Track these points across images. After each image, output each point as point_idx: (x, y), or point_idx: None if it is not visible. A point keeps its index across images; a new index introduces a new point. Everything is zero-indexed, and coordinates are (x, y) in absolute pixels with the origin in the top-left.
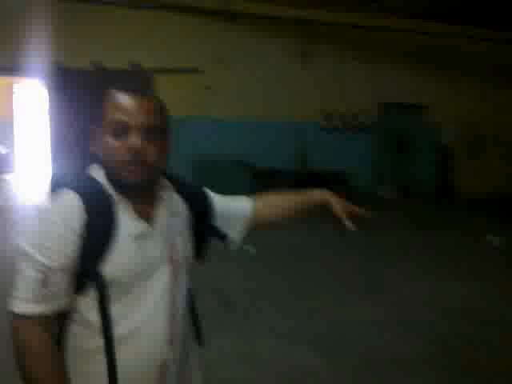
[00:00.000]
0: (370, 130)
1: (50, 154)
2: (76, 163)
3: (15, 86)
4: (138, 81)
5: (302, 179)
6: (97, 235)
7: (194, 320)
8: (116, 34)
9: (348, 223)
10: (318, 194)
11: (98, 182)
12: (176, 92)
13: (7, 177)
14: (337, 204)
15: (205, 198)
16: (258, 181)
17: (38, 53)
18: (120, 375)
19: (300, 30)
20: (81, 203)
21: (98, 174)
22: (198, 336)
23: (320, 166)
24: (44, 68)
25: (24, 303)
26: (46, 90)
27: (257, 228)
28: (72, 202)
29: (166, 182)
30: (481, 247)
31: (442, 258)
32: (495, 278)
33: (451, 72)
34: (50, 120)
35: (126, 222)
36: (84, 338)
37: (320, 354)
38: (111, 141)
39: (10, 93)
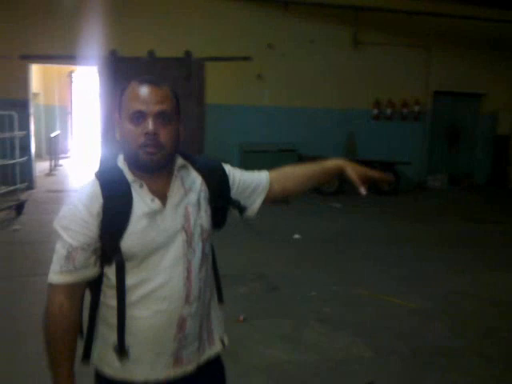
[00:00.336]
0: (422, 118)
1: (101, 140)
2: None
3: (73, 74)
4: (188, 68)
5: None
6: (114, 217)
7: (216, 281)
8: (169, 22)
9: (362, 189)
10: (334, 162)
11: (119, 169)
12: (227, 80)
13: (63, 161)
14: (352, 170)
15: (223, 173)
16: None
17: (95, 42)
18: (141, 329)
19: (351, 17)
20: (100, 190)
21: (122, 159)
22: (220, 295)
23: (369, 155)
24: (100, 56)
25: (53, 274)
26: (101, 77)
27: (278, 198)
28: (93, 188)
29: (182, 162)
30: None
31: (494, 249)
32: None
33: (508, 59)
34: (102, 106)
35: (141, 202)
36: (110, 297)
37: (365, 341)
38: (130, 126)
39: (69, 81)
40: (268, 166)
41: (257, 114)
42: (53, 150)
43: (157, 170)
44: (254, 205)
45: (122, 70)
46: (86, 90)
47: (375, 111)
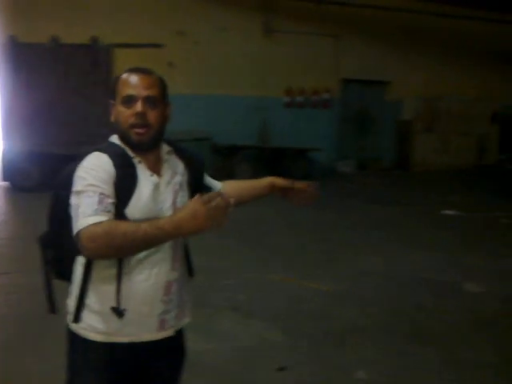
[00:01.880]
0: (332, 105)
1: (2, 130)
2: (29, 138)
3: None
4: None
5: (262, 155)
6: (124, 184)
7: (187, 256)
8: (75, 7)
9: (295, 201)
10: (267, 179)
11: (119, 146)
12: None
13: None
14: (282, 180)
15: (201, 162)
16: (219, 157)
17: None
18: (134, 291)
19: (263, 5)
20: (110, 160)
21: (116, 139)
22: (190, 269)
23: (282, 142)
24: None
25: (87, 218)
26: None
27: None
28: (103, 158)
29: (167, 147)
30: (437, 220)
31: (401, 230)
32: (453, 250)
33: (412, 48)
34: (2, 95)
35: (143, 175)
36: (107, 265)
37: (278, 326)
38: (122, 109)
39: None
40: None
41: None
42: None
43: (146, 149)
44: None
45: (22, 58)
46: None
47: (287, 99)
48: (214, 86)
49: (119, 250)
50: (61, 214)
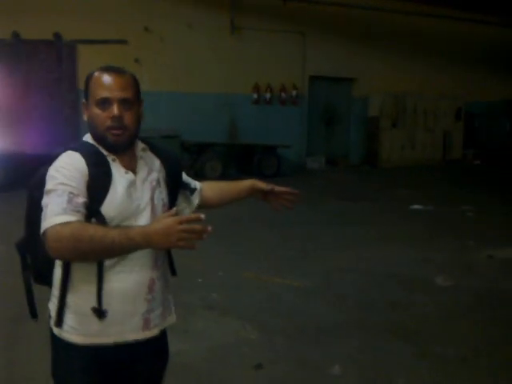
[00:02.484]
0: (299, 102)
1: None
2: None
3: None
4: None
5: (232, 152)
6: (98, 183)
7: (169, 255)
8: (39, 2)
9: (275, 204)
10: (248, 181)
11: (92, 145)
12: (102, 64)
13: None
14: (262, 183)
15: (177, 160)
16: (187, 155)
17: None
18: (116, 290)
19: (230, 2)
20: (83, 158)
21: (90, 138)
22: (172, 268)
23: (251, 140)
24: None
25: (55, 217)
26: None
27: (207, 205)
28: (76, 156)
29: (141, 144)
30: (406, 215)
31: (371, 226)
32: (422, 244)
33: (378, 45)
34: None
35: (118, 173)
36: (85, 265)
37: (252, 323)
38: (97, 111)
39: None
40: None
41: None
42: None
43: (122, 150)
44: (194, 202)
45: None
46: None
47: (255, 96)
48: (181, 83)
49: (83, 254)
50: (34, 216)
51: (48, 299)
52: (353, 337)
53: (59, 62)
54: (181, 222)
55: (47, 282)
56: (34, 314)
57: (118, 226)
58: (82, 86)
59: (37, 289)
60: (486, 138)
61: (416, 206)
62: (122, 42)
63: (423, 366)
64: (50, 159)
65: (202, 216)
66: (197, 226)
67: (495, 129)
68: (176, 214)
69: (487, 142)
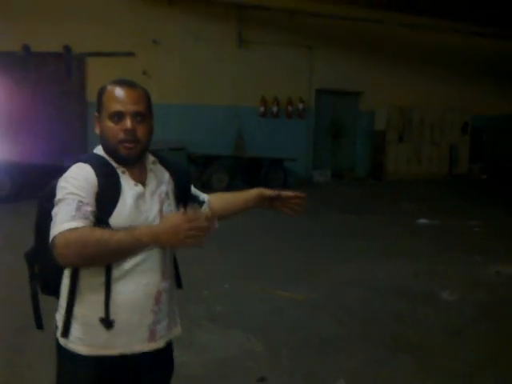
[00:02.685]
0: (306, 116)
1: None
2: (1, 148)
3: None
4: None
5: (238, 165)
6: (107, 194)
7: (175, 268)
8: (47, 14)
9: (284, 210)
10: (254, 190)
11: (102, 157)
12: (111, 77)
13: None
14: (270, 190)
15: (186, 172)
16: (194, 167)
17: None
18: (123, 301)
19: (236, 15)
20: (92, 170)
21: (101, 151)
22: (178, 281)
23: (257, 152)
24: None
25: (65, 224)
26: None
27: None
28: (86, 168)
29: (152, 157)
30: (412, 229)
31: (375, 239)
32: (428, 258)
33: (385, 59)
34: None
35: (127, 185)
36: (94, 275)
37: (257, 336)
38: (110, 124)
39: None
40: None
41: None
42: None
43: (133, 163)
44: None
45: None
46: None
47: (262, 109)
48: (188, 95)
49: (91, 258)
50: (44, 227)
51: (53, 310)
52: (357, 350)
53: (68, 75)
54: (188, 220)
55: (55, 292)
56: (39, 325)
57: (125, 229)
58: (90, 98)
59: (43, 300)
60: (492, 153)
61: (422, 220)
62: (130, 54)
63: (427, 380)
64: (61, 171)
65: (210, 213)
66: (204, 223)
67: (502, 143)
68: (185, 213)
69: (494, 156)
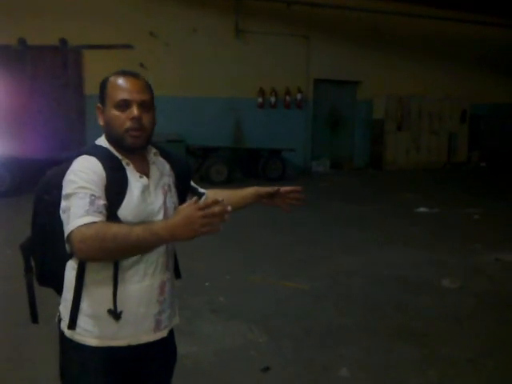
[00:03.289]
0: (304, 106)
1: None
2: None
3: None
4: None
5: (237, 156)
6: (115, 187)
7: (175, 258)
8: (42, 7)
9: (284, 206)
10: (251, 188)
11: (106, 148)
12: (109, 70)
13: None
14: (266, 187)
15: (186, 164)
16: (193, 159)
17: None
18: (130, 292)
19: (233, 6)
20: (99, 162)
21: (104, 142)
22: (177, 271)
23: (256, 143)
24: None
25: (79, 219)
26: None
27: None
28: (93, 161)
29: (153, 149)
30: (412, 217)
31: (376, 229)
32: (428, 247)
33: (383, 48)
34: None
35: (133, 177)
36: (102, 268)
37: (260, 326)
38: (116, 113)
39: None
40: None
41: None
42: None
43: (139, 151)
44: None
45: None
46: None
47: (260, 99)
48: (186, 87)
49: (110, 253)
50: (43, 219)
51: (51, 302)
52: (360, 339)
53: (65, 68)
54: (200, 209)
55: (53, 284)
56: (34, 318)
57: (141, 223)
58: (88, 91)
59: (41, 292)
60: (491, 141)
61: (421, 209)
62: (128, 46)
63: (431, 369)
64: (56, 163)
65: (220, 199)
66: (216, 208)
67: (500, 131)
68: (196, 202)
69: (492, 144)
